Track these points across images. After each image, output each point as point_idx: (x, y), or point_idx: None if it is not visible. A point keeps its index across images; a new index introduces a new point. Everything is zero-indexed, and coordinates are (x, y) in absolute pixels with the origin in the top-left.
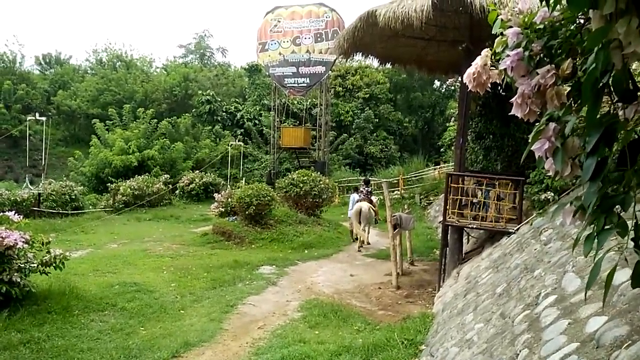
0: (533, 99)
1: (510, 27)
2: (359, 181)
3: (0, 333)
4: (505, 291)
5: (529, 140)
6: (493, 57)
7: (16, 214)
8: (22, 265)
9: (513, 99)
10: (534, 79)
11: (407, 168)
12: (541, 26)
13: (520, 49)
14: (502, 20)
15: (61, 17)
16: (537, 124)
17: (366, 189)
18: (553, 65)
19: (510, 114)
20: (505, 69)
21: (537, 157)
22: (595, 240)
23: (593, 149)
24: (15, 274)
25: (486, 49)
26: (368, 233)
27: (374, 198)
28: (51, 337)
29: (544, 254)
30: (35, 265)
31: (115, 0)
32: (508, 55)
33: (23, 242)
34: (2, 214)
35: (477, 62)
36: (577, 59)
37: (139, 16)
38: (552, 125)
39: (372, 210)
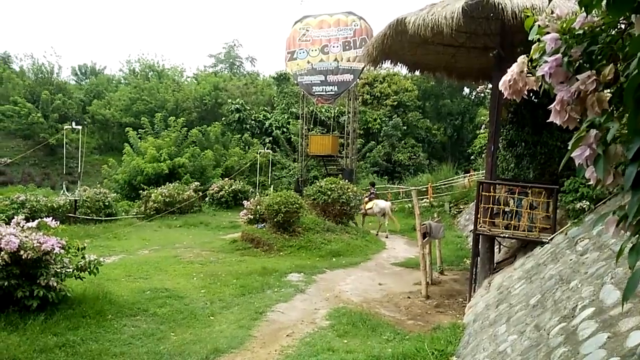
0: (572, 106)
1: (548, 32)
2: (387, 189)
3: (37, 336)
4: (539, 302)
5: (569, 148)
6: (529, 64)
7: (53, 220)
8: (59, 270)
9: (551, 106)
10: (574, 85)
11: (436, 176)
12: (581, 31)
13: (559, 55)
14: (539, 26)
15: (96, 29)
16: (575, 131)
17: (374, 190)
18: (594, 71)
19: (548, 120)
20: (543, 76)
21: (577, 164)
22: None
23: (635, 156)
24: (52, 278)
25: (522, 56)
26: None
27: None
28: (85, 340)
29: (580, 264)
30: (71, 270)
31: (148, 12)
32: (546, 62)
33: (59, 247)
34: (40, 220)
35: (513, 69)
36: (619, 65)
37: (170, 27)
38: (593, 132)
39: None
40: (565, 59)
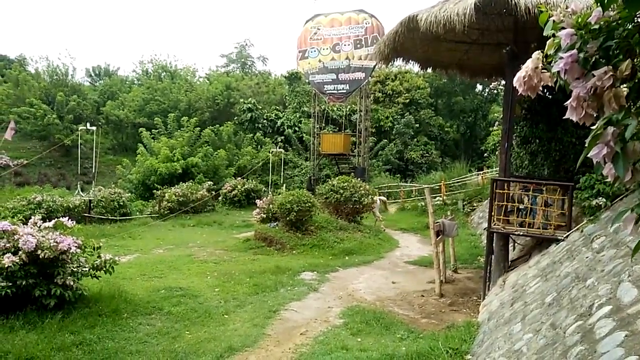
0: (589, 102)
1: (563, 28)
2: (399, 187)
3: (54, 334)
4: (555, 301)
5: (585, 144)
6: (544, 60)
7: (69, 220)
8: (75, 269)
9: (567, 102)
10: (590, 81)
11: (449, 174)
12: (596, 26)
13: (575, 51)
14: (554, 21)
15: (110, 30)
16: (592, 127)
17: None
18: (610, 67)
19: (564, 117)
20: (558, 72)
21: (594, 162)
22: None
23: None
24: (69, 277)
25: (537, 52)
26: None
27: None
28: (102, 339)
29: (597, 262)
30: (87, 269)
31: (161, 13)
32: (561, 58)
33: (76, 247)
34: (56, 219)
35: (528, 65)
36: (636, 60)
37: (182, 28)
38: (610, 129)
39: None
40: (581, 55)
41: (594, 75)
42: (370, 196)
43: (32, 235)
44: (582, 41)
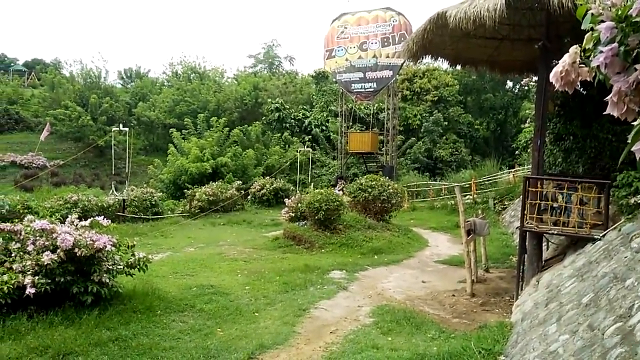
0: (631, 97)
1: (602, 21)
2: (428, 185)
3: (92, 330)
4: (592, 301)
5: (628, 140)
6: (582, 54)
7: (104, 219)
8: (110, 267)
9: (607, 97)
10: (632, 75)
11: (480, 172)
12: (638, 19)
13: (615, 44)
14: (592, 14)
15: (140, 33)
16: (632, 123)
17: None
18: None
19: (604, 113)
20: (598, 66)
21: (637, 158)
22: None
23: None
24: (105, 275)
25: (575, 46)
26: None
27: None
28: (137, 335)
29: (636, 262)
30: (122, 267)
31: (190, 15)
32: (601, 52)
33: (111, 245)
34: (93, 218)
35: (565, 59)
36: None
37: (211, 30)
38: None
39: None
40: (622, 48)
41: (636, 69)
42: (398, 195)
43: (70, 234)
44: (623, 34)
